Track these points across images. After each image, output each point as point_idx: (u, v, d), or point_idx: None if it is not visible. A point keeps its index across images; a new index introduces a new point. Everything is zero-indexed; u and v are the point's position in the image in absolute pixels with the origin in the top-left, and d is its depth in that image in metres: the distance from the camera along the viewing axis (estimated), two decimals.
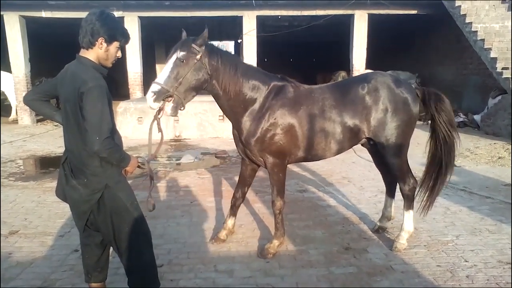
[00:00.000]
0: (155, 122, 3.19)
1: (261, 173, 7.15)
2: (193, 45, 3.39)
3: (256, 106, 3.71)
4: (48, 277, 3.55)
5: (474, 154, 8.64)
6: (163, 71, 3.37)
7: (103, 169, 2.66)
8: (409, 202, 4.11)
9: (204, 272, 3.63)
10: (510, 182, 6.00)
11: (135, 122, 11.01)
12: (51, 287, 3.40)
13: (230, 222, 4.29)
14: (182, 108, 3.43)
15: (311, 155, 3.92)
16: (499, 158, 8.20)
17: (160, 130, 3.17)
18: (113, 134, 2.63)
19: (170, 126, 11.05)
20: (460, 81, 15.32)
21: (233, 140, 4.10)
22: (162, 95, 3.28)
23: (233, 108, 3.73)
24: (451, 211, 5.13)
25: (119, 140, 2.78)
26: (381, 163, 4.39)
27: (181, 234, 4.48)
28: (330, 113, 3.79)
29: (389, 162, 4.00)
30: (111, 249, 3.05)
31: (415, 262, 3.77)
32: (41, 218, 4.99)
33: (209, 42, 3.57)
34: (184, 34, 3.57)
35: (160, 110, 3.29)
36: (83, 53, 2.66)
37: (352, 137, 3.90)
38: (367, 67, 15.83)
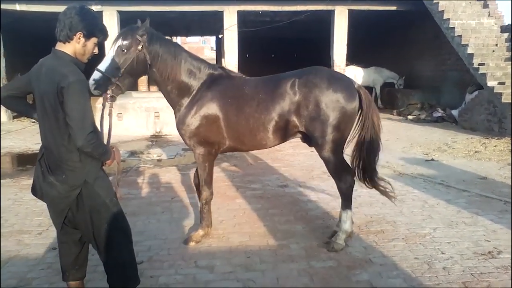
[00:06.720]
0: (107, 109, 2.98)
1: (242, 169, 7.17)
2: (137, 36, 3.48)
3: (190, 95, 3.90)
4: (24, 276, 3.47)
5: (452, 148, 8.82)
6: (105, 59, 3.37)
7: (82, 165, 2.61)
8: (346, 201, 4.01)
9: (185, 268, 3.62)
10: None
11: (115, 118, 10.80)
12: (27, 286, 3.34)
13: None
14: (120, 93, 3.46)
15: (240, 145, 4.06)
16: (476, 152, 8.38)
17: (107, 119, 2.91)
18: (95, 128, 2.60)
19: (150, 122, 10.96)
20: (438, 77, 15.58)
21: None
22: (104, 84, 3.24)
23: (170, 94, 3.91)
24: (429, 204, 5.22)
25: (99, 134, 2.75)
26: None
27: (161, 230, 4.45)
28: (258, 105, 3.82)
29: (323, 157, 3.91)
30: (90, 246, 3.01)
31: (393, 255, 3.83)
32: (18, 216, 4.89)
33: (150, 30, 3.64)
34: (138, 23, 3.61)
35: (107, 96, 3.23)
36: (60, 46, 2.59)
37: (282, 130, 3.88)
38: (347, 63, 15.98)
